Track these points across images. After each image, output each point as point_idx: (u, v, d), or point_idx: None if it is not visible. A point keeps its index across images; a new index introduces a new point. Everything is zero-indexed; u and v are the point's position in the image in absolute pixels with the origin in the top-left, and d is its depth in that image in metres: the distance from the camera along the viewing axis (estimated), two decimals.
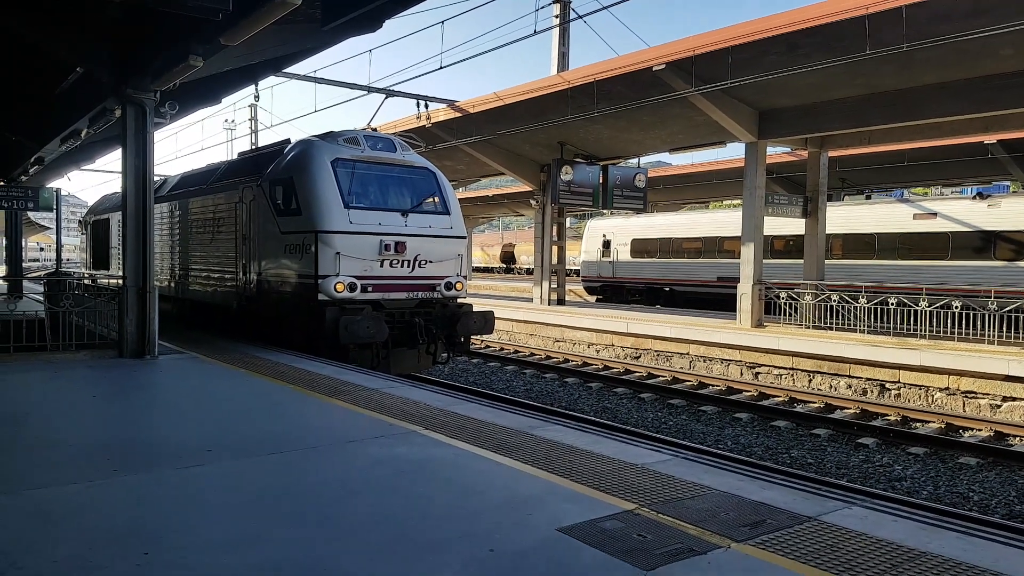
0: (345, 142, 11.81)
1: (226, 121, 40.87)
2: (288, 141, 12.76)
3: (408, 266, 11.46)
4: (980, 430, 10.92)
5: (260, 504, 4.36)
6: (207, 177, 14.88)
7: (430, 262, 11.71)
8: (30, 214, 33.62)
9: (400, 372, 11.25)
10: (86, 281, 14.86)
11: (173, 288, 15.97)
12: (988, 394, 12.29)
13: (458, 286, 12.13)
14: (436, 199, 12.24)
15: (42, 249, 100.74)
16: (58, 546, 3.67)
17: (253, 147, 35.02)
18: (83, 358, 10.09)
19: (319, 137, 12.15)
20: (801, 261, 19.47)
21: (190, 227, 15.01)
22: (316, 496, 4.49)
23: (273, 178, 11.81)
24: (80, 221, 24.55)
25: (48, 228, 71.76)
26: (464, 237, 12.42)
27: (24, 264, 33.04)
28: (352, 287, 10.84)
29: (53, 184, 28.25)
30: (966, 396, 12.54)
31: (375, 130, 15.56)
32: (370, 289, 11.10)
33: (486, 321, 12.35)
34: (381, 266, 11.18)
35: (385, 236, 11.16)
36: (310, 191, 11.02)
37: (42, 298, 13.86)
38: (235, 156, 15.59)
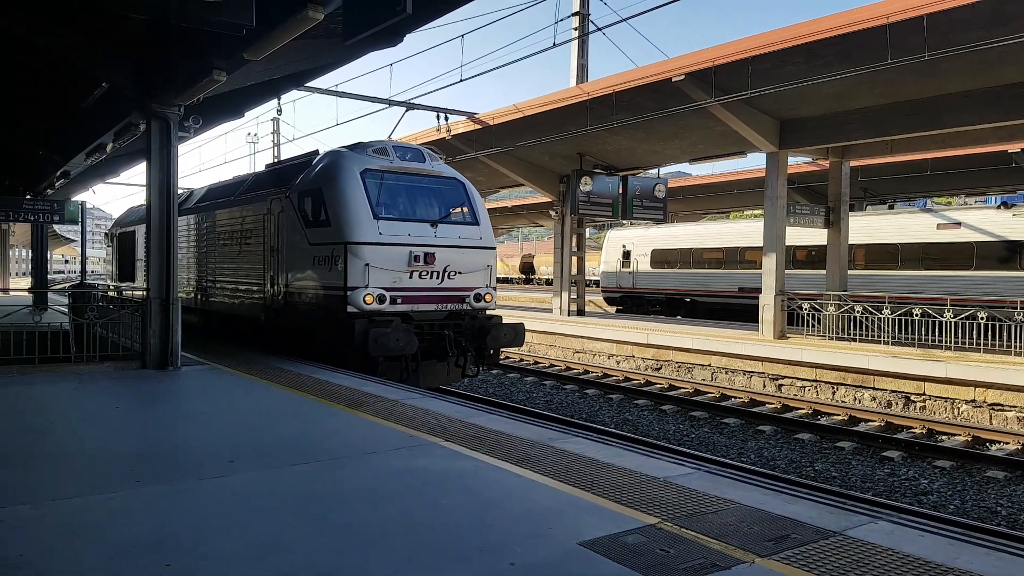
0: (374, 153, 11.69)
1: (249, 135, 41.25)
2: (316, 152, 12.66)
3: (437, 277, 11.31)
4: (1007, 443, 10.75)
5: (282, 515, 4.36)
6: (234, 189, 14.84)
7: (459, 273, 11.55)
8: (55, 227, 34.14)
9: (428, 385, 11.13)
10: (111, 293, 14.97)
11: (199, 300, 15.89)
12: (1015, 407, 12.09)
13: (487, 297, 11.94)
14: (465, 209, 12.11)
15: (67, 261, 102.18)
16: (81, 557, 3.70)
17: (276, 159, 35.30)
18: (107, 369, 10.20)
19: (348, 148, 12.05)
20: (823, 271, 19.31)
21: (217, 239, 14.96)
22: (337, 507, 4.50)
23: (302, 189, 11.74)
24: (106, 233, 24.83)
25: (73, 240, 72.91)
26: (494, 248, 12.28)
27: (49, 276, 33.50)
28: (381, 299, 10.70)
29: (78, 197, 28.72)
30: (992, 408, 12.34)
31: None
32: (399, 301, 10.94)
33: (516, 333, 12.12)
34: (410, 277, 11.03)
35: (415, 247, 11.02)
36: (339, 202, 10.92)
37: (67, 310, 14.03)
38: (262, 168, 15.47)
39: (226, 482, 5.03)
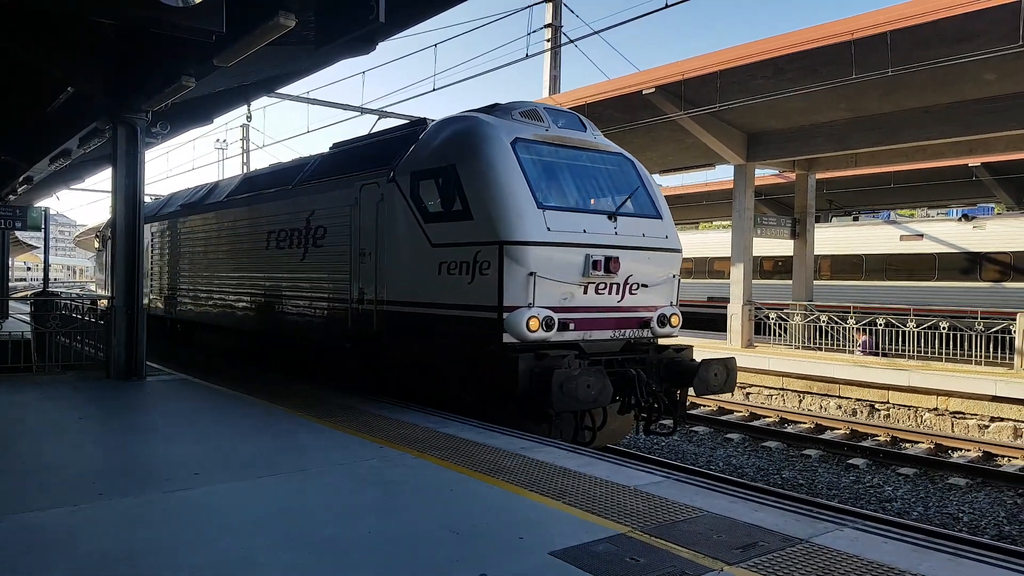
0: (522, 116, 8.62)
1: (218, 141, 40.79)
2: (423, 121, 9.51)
3: (617, 292, 8.23)
4: (969, 450, 10.97)
5: (251, 529, 4.32)
6: (291, 176, 11.45)
7: (643, 286, 8.45)
8: (17, 233, 33.48)
9: (601, 444, 8.52)
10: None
11: (234, 319, 12.66)
12: (976, 414, 12.35)
13: (674, 320, 8.87)
14: (642, 197, 8.94)
15: (29, 269, 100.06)
16: (45, 572, 3.62)
17: (246, 165, 34.73)
18: (70, 379, 9.99)
19: (483, 111, 8.86)
20: (790, 282, 19.60)
21: (265, 240, 11.66)
22: (306, 520, 4.46)
23: (416, 169, 8.58)
24: (96, 235, 23.46)
25: (36, 247, 71.33)
26: (680, 251, 9.08)
27: (10, 284, 32.83)
28: (548, 324, 7.58)
29: (41, 203, 28.19)
30: (955, 416, 12.59)
31: None
32: (571, 326, 7.86)
33: (729, 374, 8.78)
34: (585, 292, 7.95)
35: (592, 249, 7.89)
36: (486, 184, 7.76)
37: (28, 318, 13.77)
38: (328, 149, 11.47)
39: (192, 495, 4.95)
